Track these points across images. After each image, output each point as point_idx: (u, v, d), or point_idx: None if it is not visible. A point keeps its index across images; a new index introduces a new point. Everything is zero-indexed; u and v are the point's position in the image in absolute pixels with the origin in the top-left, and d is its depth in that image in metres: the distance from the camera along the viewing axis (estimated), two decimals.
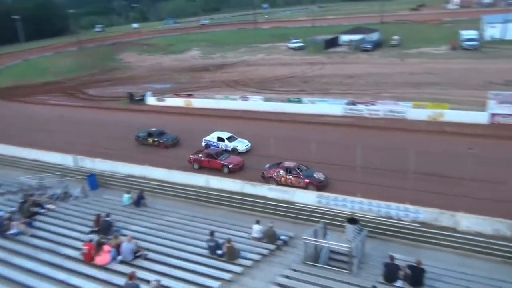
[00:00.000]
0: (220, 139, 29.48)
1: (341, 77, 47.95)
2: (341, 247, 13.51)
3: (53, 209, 18.81)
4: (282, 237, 15.61)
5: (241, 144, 29.00)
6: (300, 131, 31.23)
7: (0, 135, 34.30)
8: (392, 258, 12.86)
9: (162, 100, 44.55)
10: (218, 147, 29.02)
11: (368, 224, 17.28)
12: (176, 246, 14.76)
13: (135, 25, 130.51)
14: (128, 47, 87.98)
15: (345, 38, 68.67)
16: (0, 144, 32.11)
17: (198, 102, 42.13)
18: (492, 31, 59.79)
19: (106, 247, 13.44)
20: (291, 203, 20.92)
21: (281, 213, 19.83)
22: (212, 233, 14.35)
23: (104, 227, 15.88)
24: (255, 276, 13.02)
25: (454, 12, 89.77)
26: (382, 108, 33.89)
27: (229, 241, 13.77)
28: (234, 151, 28.46)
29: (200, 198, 22.04)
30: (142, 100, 45.56)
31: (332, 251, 14.16)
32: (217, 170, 25.61)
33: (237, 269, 13.04)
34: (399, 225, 18.49)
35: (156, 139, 31.28)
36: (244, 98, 40.63)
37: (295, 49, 68.46)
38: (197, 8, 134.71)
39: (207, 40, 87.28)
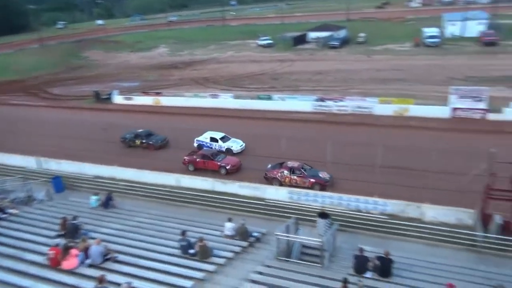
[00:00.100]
0: (213, 139, 28.46)
1: (310, 74, 48.55)
2: (312, 242, 13.72)
3: (15, 213, 18.04)
4: (255, 234, 15.67)
5: (236, 145, 28.15)
6: (270, 128, 31.43)
7: None
8: (361, 250, 13.18)
9: (130, 99, 43.55)
10: (211, 147, 28.08)
11: (338, 218, 17.58)
12: (147, 247, 14.51)
13: (99, 21, 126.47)
14: (93, 44, 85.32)
15: (313, 35, 69.50)
16: None
17: (167, 100, 41.48)
18: (452, 29, 62.19)
19: (73, 251, 13.03)
20: (263, 199, 20.98)
21: (253, 210, 19.83)
22: (183, 233, 14.21)
23: (71, 231, 15.38)
24: (228, 273, 13.02)
25: (416, 10, 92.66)
26: (350, 104, 34.58)
27: (201, 240, 13.68)
28: (228, 151, 27.57)
29: (171, 197, 21.71)
30: (108, 99, 44.36)
31: (304, 246, 14.37)
32: (213, 172, 24.81)
33: (210, 267, 12.99)
34: (368, 218, 18.93)
35: (144, 141, 30.07)
36: (214, 96, 40.38)
37: (264, 46, 68.67)
38: (164, 4, 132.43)
39: (175, 37, 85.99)
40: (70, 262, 12.86)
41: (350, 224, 18.05)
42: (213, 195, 21.40)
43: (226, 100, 39.25)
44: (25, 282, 12.01)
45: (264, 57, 62.06)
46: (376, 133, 29.33)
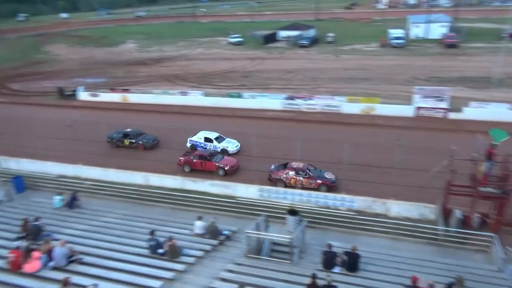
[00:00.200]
0: (207, 139, 27.53)
1: (280, 72, 48.90)
2: (282, 239, 13.85)
3: None
4: (225, 232, 15.65)
5: (231, 145, 27.35)
6: (241, 126, 31.41)
7: None
8: (330, 246, 13.45)
9: (96, 96, 42.31)
10: (205, 148, 27.15)
11: (307, 214, 17.85)
12: (114, 248, 14.16)
13: (63, 15, 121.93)
14: (56, 38, 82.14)
15: (283, 34, 70.04)
16: None
17: (135, 97, 40.59)
18: (417, 30, 64.43)
19: (35, 254, 12.52)
20: (233, 197, 21.00)
21: (224, 208, 19.81)
22: (152, 232, 13.98)
23: (33, 232, 14.78)
24: (199, 272, 12.94)
25: (383, 11, 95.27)
26: (319, 103, 35.14)
27: (170, 239, 13.51)
28: (223, 152, 26.71)
29: (139, 196, 21.29)
30: (73, 96, 42.90)
31: (274, 243, 14.49)
32: (210, 173, 24.04)
33: (180, 267, 12.86)
34: (336, 214, 19.34)
35: (134, 141, 28.98)
36: (184, 93, 39.90)
37: (234, 44, 68.51)
38: None
39: (143, 32, 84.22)
40: (32, 265, 12.36)
41: (319, 221, 18.38)
42: (183, 194, 21.18)
43: (196, 98, 38.88)
44: None
45: (234, 55, 61.91)
46: (344, 131, 29.98)
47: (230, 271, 12.73)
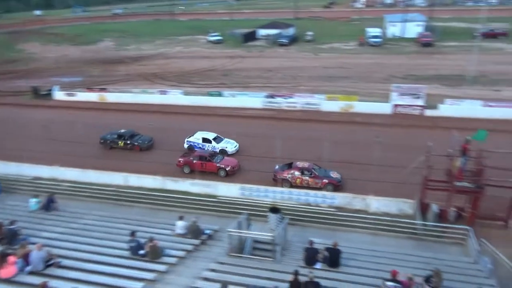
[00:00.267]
0: (205, 140, 27.06)
1: (260, 71, 48.97)
2: (264, 237, 13.89)
3: None
4: (207, 231, 15.58)
5: (230, 145, 26.86)
6: (221, 125, 31.28)
7: None
8: (311, 242, 13.58)
9: (72, 95, 41.34)
10: (203, 149, 26.60)
11: (289, 212, 17.94)
12: (94, 250, 13.88)
13: (37, 12, 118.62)
14: (31, 36, 79.86)
15: (262, 32, 70.14)
16: None
17: (113, 97, 39.86)
18: (393, 29, 65.71)
19: (11, 258, 12.14)
20: (215, 196, 20.92)
21: (205, 207, 19.70)
22: (133, 233, 13.78)
23: (8, 236, 14.32)
24: (181, 273, 12.84)
25: (361, 10, 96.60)
26: (299, 101, 35.37)
27: (151, 240, 13.35)
28: (222, 153, 26.20)
29: (118, 197, 20.92)
30: (49, 95, 41.79)
31: (256, 241, 14.51)
32: (211, 174, 23.74)
33: (161, 267, 12.72)
34: (318, 211, 19.54)
35: (129, 142, 28.34)
36: (163, 92, 39.45)
37: (213, 42, 68.16)
38: None
39: (121, 30, 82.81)
40: (7, 270, 11.98)
41: (301, 218, 18.51)
42: (164, 194, 20.96)
43: (175, 97, 38.51)
44: None
45: (214, 53, 61.61)
46: (324, 128, 30.27)
47: (213, 270, 12.68)
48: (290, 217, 17.01)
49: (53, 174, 23.63)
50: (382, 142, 23.57)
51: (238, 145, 27.14)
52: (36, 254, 12.35)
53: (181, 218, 15.53)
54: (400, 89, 32.88)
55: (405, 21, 64.64)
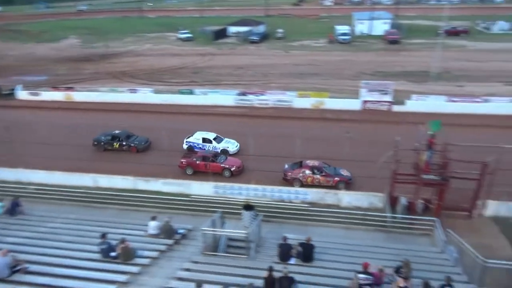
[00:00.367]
0: (206, 140, 26.50)
1: (231, 68, 48.82)
2: (238, 234, 13.90)
3: None
4: (180, 231, 15.41)
5: (231, 145, 26.39)
6: (193, 123, 31.02)
7: None
8: (285, 238, 13.71)
9: (37, 94, 39.78)
10: (203, 149, 26.05)
11: (263, 209, 18.04)
12: (63, 254, 13.45)
13: None
14: None
15: (233, 29, 69.90)
16: None
17: (80, 96, 38.69)
18: (361, 27, 67.06)
19: None
20: (188, 195, 20.76)
21: (178, 206, 19.50)
22: (103, 235, 13.45)
23: None
24: (154, 273, 12.65)
25: (329, 8, 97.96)
26: (271, 98, 35.54)
27: (123, 241, 13.07)
28: (224, 153, 25.65)
29: (88, 199, 20.38)
30: (11, 95, 40.04)
31: (231, 239, 14.50)
32: (215, 175, 23.07)
33: (134, 269, 12.49)
34: (291, 207, 19.79)
35: (124, 143, 27.32)
36: (133, 91, 38.65)
37: (183, 39, 67.30)
38: None
39: (87, 27, 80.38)
40: None
41: (275, 214, 18.68)
42: (135, 194, 20.61)
43: (145, 95, 37.84)
44: None
45: (184, 50, 60.86)
46: (296, 125, 30.59)
47: (187, 269, 12.57)
48: (264, 214, 17.12)
49: (18, 176, 22.72)
50: (352, 137, 24.14)
51: (239, 144, 26.74)
52: (1, 260, 11.85)
53: (153, 218, 15.29)
54: (369, 86, 33.66)
55: (372, 19, 66.13)
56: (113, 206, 19.99)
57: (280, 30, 67.23)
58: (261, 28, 69.50)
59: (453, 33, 60.19)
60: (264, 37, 65.87)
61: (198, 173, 23.79)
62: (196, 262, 13.10)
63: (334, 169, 22.86)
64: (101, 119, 32.23)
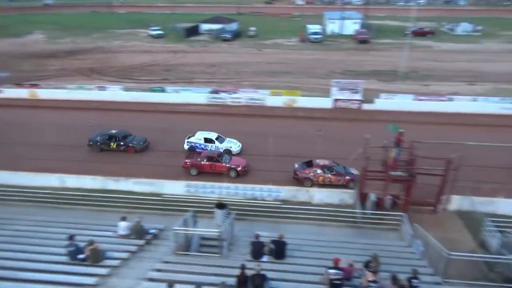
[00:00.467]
0: (208, 140, 25.86)
1: (204, 66, 48.45)
2: (211, 233, 13.84)
3: None
4: (151, 231, 15.17)
5: (234, 145, 25.92)
6: (165, 121, 30.65)
7: None
8: (257, 236, 13.74)
9: None
10: (205, 149, 25.36)
11: (236, 207, 18.02)
12: (29, 258, 12.94)
13: None
14: None
15: (205, 27, 69.36)
16: None
17: (46, 93, 37.31)
18: (332, 26, 68.12)
19: None
20: (159, 195, 20.46)
21: (150, 206, 19.18)
22: (71, 237, 13.03)
23: None
24: (124, 275, 12.40)
25: (301, 7, 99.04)
26: (243, 96, 35.54)
27: (91, 243, 12.72)
28: (227, 153, 25.07)
29: (54, 200, 19.70)
30: None
31: (203, 238, 14.41)
32: (221, 175, 22.83)
33: (103, 271, 12.20)
34: (264, 205, 19.86)
35: (122, 143, 26.32)
36: (102, 88, 37.66)
37: (154, 36, 66.12)
38: None
39: (53, 22, 77.63)
40: None
41: (247, 212, 18.67)
42: (105, 194, 20.10)
43: (115, 93, 36.94)
44: None
45: (155, 47, 59.84)
46: (269, 123, 30.75)
47: (158, 270, 12.40)
48: (236, 212, 17.11)
49: None
50: (324, 135, 24.50)
51: (241, 144, 26.35)
52: None
53: (123, 219, 14.96)
54: (340, 84, 34.24)
55: (343, 18, 67.28)
56: (81, 207, 19.39)
57: (253, 28, 67.28)
58: (233, 26, 69.30)
59: (419, 33, 62.14)
60: (236, 35, 65.71)
61: (203, 174, 23.41)
62: (167, 262, 12.94)
63: (344, 168, 22.86)
64: (69, 118, 31.23)
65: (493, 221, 16.99)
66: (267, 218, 18.62)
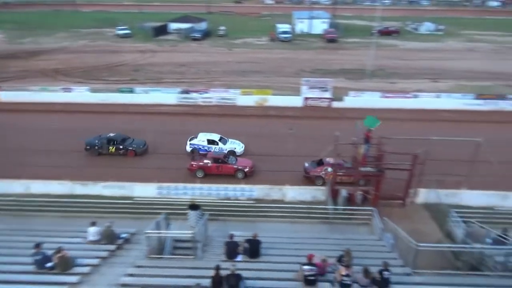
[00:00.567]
0: (211, 141, 25.45)
1: (173, 66, 47.81)
2: (184, 235, 13.71)
3: None
4: (123, 235, 14.85)
5: (238, 146, 25.62)
6: (135, 123, 30.04)
7: None
8: (231, 236, 13.73)
9: None
10: (209, 151, 24.81)
11: (209, 208, 17.93)
12: None
13: None
14: None
15: (174, 26, 68.41)
16: None
17: (7, 95, 35.67)
18: (301, 26, 68.90)
19: None
20: (130, 198, 20.08)
21: (121, 210, 18.73)
22: (38, 245, 12.54)
23: None
24: (95, 281, 12.07)
25: (271, 6, 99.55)
26: (214, 96, 35.34)
27: (59, 250, 12.29)
28: (232, 154, 24.69)
29: (19, 207, 18.89)
30: None
31: (176, 240, 14.27)
32: (228, 177, 22.52)
33: (73, 279, 11.83)
34: (237, 204, 19.86)
35: (121, 147, 25.39)
36: (67, 90, 36.41)
37: (121, 36, 64.56)
38: None
39: (13, 21, 74.33)
40: None
41: (221, 213, 18.62)
42: (73, 199, 19.51)
43: (81, 94, 35.83)
44: None
45: (123, 47, 58.41)
46: (241, 123, 30.75)
47: (131, 275, 12.14)
48: (210, 212, 17.05)
49: None
50: (295, 133, 24.75)
51: (244, 145, 26.06)
52: None
53: (93, 224, 14.56)
54: (310, 83, 34.66)
55: (312, 18, 68.15)
56: (48, 213, 18.70)
57: (222, 28, 66.97)
58: (203, 25, 68.74)
59: (385, 33, 63.83)
60: (206, 34, 65.23)
61: (209, 176, 23.07)
62: (140, 267, 12.70)
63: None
64: (32, 121, 30.01)
65: (457, 212, 17.75)
66: (241, 217, 18.62)
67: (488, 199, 20.02)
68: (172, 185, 20.98)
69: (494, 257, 13.11)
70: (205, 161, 23.26)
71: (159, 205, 18.83)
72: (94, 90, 36.50)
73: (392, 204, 19.83)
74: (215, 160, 23.27)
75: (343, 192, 19.67)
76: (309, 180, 22.67)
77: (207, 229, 15.59)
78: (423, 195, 20.25)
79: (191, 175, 23.13)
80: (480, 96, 34.59)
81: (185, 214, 15.74)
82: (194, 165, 23.29)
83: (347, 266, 11.38)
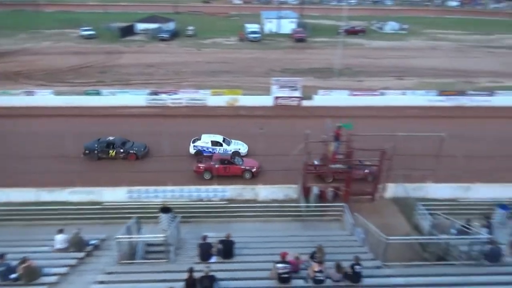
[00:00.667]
0: (215, 143, 25.18)
1: (141, 67, 46.90)
2: (156, 238, 13.48)
3: None
4: (92, 242, 14.43)
5: (242, 147, 25.63)
6: (103, 125, 29.18)
7: None
8: (205, 238, 13.62)
9: None
10: (213, 152, 24.49)
11: (181, 210, 17.73)
12: None
13: None
14: None
15: (141, 26, 67.12)
16: None
17: None
18: (270, 26, 69.29)
19: None
20: (99, 203, 19.55)
21: (89, 216, 18.22)
22: (1, 256, 11.99)
23: None
24: None
25: (239, 6, 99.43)
26: (184, 97, 34.95)
27: (24, 260, 11.79)
28: (236, 155, 24.46)
29: None
30: None
31: (148, 244, 14.02)
32: (234, 178, 22.34)
33: None
34: (210, 205, 19.77)
35: (122, 150, 24.63)
36: (29, 93, 34.96)
37: (86, 37, 62.66)
38: None
39: None
40: None
41: (194, 214, 18.48)
42: (38, 207, 18.76)
43: (45, 97, 34.47)
44: None
45: (88, 48, 56.74)
46: (212, 123, 30.51)
47: (101, 282, 11.81)
48: (182, 215, 16.85)
49: None
50: (266, 133, 24.88)
51: (247, 146, 26.10)
52: None
53: (60, 231, 14.06)
54: (279, 82, 34.91)
55: (280, 18, 68.66)
56: (12, 222, 17.90)
57: (191, 28, 66.33)
58: (171, 25, 67.83)
59: (352, 32, 65.18)
60: (174, 35, 64.40)
61: (215, 177, 22.81)
62: (111, 273, 12.37)
63: (359, 161, 22.69)
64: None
65: (424, 205, 18.36)
66: (214, 218, 18.55)
67: (452, 192, 20.84)
68: (143, 188, 20.60)
69: (458, 247, 13.65)
70: (212, 162, 23.18)
71: (129, 209, 18.44)
72: (58, 93, 35.25)
73: (362, 200, 20.29)
74: (222, 161, 23.20)
75: (315, 189, 19.94)
76: (318, 177, 22.60)
77: (179, 232, 15.41)
78: (392, 190, 20.81)
79: (197, 177, 22.96)
80: (442, 93, 35.95)
81: (157, 217, 15.48)
82: (201, 167, 23.12)
83: (320, 262, 11.53)
